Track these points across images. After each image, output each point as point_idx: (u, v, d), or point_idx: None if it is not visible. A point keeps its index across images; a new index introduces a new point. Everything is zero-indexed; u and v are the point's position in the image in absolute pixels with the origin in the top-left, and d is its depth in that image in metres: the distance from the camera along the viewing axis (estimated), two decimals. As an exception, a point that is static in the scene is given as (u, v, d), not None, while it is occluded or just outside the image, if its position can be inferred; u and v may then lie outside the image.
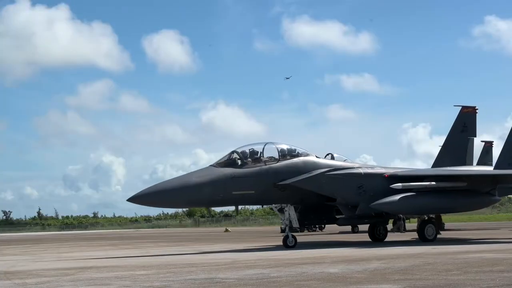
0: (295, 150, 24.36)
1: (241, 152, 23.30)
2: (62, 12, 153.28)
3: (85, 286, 12.29)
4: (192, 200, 22.61)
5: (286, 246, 23.57)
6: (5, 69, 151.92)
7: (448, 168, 32.13)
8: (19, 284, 12.92)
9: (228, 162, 23.05)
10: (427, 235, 25.15)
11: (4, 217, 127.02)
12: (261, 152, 23.60)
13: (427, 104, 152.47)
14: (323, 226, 52.27)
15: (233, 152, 23.29)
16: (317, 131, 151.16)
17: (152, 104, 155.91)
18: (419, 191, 24.41)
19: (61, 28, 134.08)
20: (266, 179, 23.24)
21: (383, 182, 24.40)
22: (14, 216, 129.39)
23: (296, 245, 23.60)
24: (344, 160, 45.02)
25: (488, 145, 54.29)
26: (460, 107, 34.14)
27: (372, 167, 25.78)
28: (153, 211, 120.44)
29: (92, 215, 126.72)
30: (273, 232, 49.36)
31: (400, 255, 18.52)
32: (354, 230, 43.37)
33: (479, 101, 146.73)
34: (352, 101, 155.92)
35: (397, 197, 23.72)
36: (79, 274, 14.74)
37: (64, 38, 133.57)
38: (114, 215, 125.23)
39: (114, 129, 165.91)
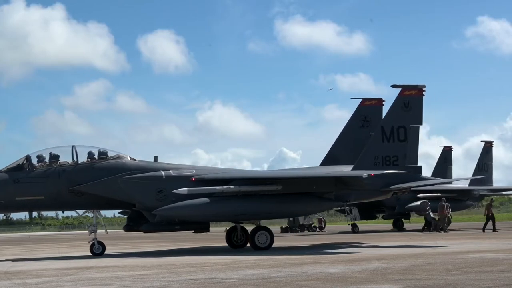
0: (105, 153, 23.11)
1: (37, 156, 22.28)
2: (57, 12, 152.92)
3: (85, 286, 12.29)
4: None
5: (93, 253, 22.41)
6: (0, 70, 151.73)
7: (271, 170, 28.89)
8: (19, 284, 12.91)
9: (18, 166, 22.00)
10: (259, 243, 23.09)
11: (4, 217, 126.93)
12: (60, 156, 22.45)
13: (424, 104, 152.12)
14: (323, 226, 52.41)
15: (27, 156, 22.22)
16: (316, 132, 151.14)
17: (149, 104, 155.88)
18: (222, 195, 22.48)
19: (57, 28, 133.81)
20: (58, 184, 22.01)
21: (190, 186, 22.54)
22: (14, 216, 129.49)
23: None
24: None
25: (488, 146, 54.72)
26: (360, 99, 29.40)
27: (183, 170, 23.59)
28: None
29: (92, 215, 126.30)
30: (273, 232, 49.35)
31: (400, 255, 18.52)
32: (354, 230, 43.43)
33: (478, 101, 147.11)
34: (349, 101, 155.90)
35: (186, 202, 22.03)
36: (79, 274, 14.74)
37: (60, 38, 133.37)
38: (114, 215, 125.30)
39: (112, 129, 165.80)
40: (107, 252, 22.78)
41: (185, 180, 22.79)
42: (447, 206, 38.81)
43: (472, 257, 17.01)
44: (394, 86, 25.53)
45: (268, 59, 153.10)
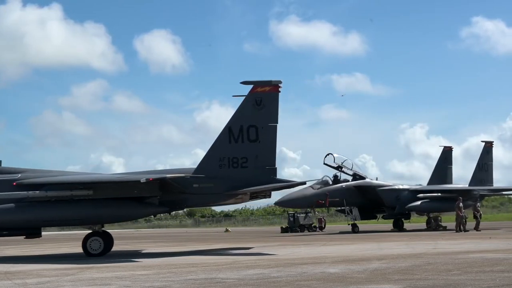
0: None
1: None
2: (54, 12, 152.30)
3: (85, 286, 12.31)
4: None
5: None
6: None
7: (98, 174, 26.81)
8: (20, 284, 12.93)
9: None
10: (91, 249, 22.26)
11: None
12: None
13: (423, 104, 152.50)
14: (323, 226, 52.43)
15: None
16: (315, 132, 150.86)
17: (147, 104, 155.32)
18: (36, 200, 21.88)
19: (54, 28, 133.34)
20: None
21: (10, 190, 21.89)
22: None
23: None
24: (344, 161, 45.12)
25: (488, 146, 54.75)
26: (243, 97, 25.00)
27: (10, 174, 22.74)
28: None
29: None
30: (273, 232, 49.40)
31: (401, 255, 18.54)
32: (355, 230, 43.45)
33: (477, 101, 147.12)
34: (346, 101, 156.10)
35: None
36: (79, 274, 14.75)
37: (57, 38, 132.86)
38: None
39: (111, 129, 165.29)
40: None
41: (7, 184, 22.19)
42: (476, 205, 40.09)
43: (473, 257, 17.02)
44: (244, 82, 23.35)
45: (264, 59, 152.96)
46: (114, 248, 24.10)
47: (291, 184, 24.33)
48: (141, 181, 20.77)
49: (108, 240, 22.96)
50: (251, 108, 23.05)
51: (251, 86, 23.24)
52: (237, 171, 22.91)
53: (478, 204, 41.38)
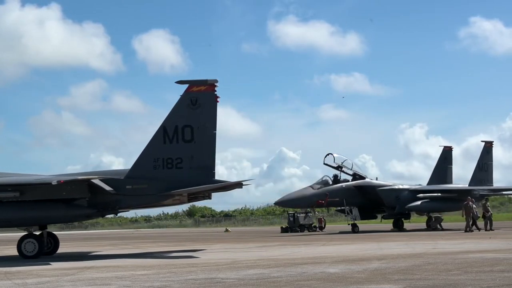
0: None
1: None
2: (53, 12, 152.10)
3: (85, 286, 12.31)
4: None
5: None
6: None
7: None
8: (20, 284, 12.93)
9: None
10: (26, 251, 21.88)
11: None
12: None
13: (422, 104, 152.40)
14: (323, 226, 52.45)
15: None
16: (314, 132, 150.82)
17: (146, 104, 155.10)
18: None
19: (53, 28, 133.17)
20: None
21: None
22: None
23: None
24: (344, 161, 45.13)
25: (488, 145, 54.77)
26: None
27: None
28: (154, 212, 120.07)
29: None
30: (273, 232, 49.40)
31: (401, 255, 18.55)
32: (355, 230, 43.46)
33: (476, 101, 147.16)
34: (345, 101, 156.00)
35: None
36: (79, 274, 14.75)
37: (56, 38, 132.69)
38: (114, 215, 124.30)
39: (110, 129, 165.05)
40: (107, 251, 22.73)
41: None
42: (486, 205, 40.46)
43: (472, 257, 17.03)
44: (179, 82, 22.92)
45: (263, 59, 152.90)
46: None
47: (228, 185, 23.67)
48: (52, 183, 20.10)
49: (43, 242, 22.53)
50: (186, 108, 22.65)
51: (186, 86, 22.84)
52: (171, 171, 22.56)
53: (488, 204, 41.40)
